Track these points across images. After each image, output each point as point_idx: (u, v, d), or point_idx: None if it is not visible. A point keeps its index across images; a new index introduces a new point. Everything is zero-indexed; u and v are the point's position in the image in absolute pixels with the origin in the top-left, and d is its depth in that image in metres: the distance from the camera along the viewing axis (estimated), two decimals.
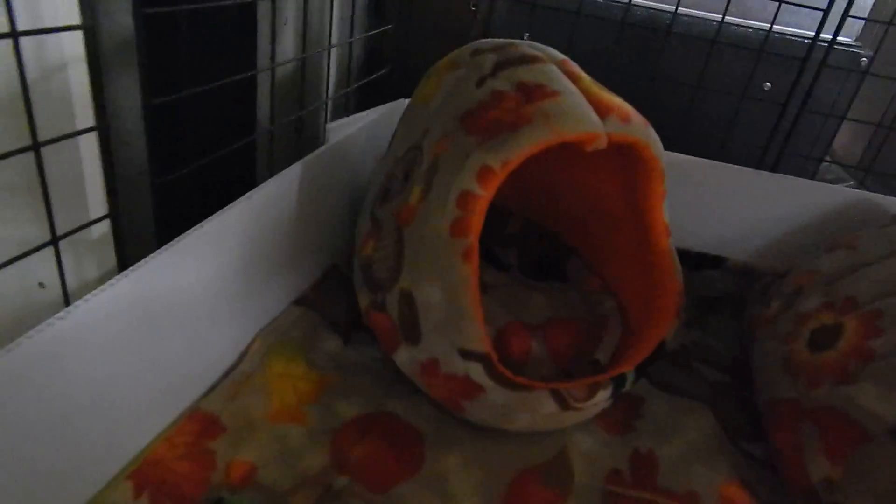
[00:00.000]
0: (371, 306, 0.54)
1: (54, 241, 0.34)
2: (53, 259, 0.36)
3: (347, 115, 0.67)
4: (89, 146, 0.42)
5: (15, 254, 0.33)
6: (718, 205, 0.70)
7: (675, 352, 0.66)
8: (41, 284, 0.42)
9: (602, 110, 0.47)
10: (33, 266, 0.44)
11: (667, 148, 0.52)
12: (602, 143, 0.46)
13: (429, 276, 0.47)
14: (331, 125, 0.61)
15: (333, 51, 0.71)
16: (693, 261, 0.74)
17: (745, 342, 0.66)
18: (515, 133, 0.45)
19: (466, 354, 0.47)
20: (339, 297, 0.61)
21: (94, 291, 0.34)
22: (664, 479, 0.51)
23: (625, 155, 0.51)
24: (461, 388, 0.48)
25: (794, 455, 0.50)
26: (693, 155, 0.70)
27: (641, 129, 0.49)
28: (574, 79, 0.49)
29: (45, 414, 0.33)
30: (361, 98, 0.80)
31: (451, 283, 0.46)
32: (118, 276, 0.35)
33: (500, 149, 0.45)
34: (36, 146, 0.33)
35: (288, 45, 0.64)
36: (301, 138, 0.64)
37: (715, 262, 0.74)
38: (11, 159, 0.31)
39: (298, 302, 0.58)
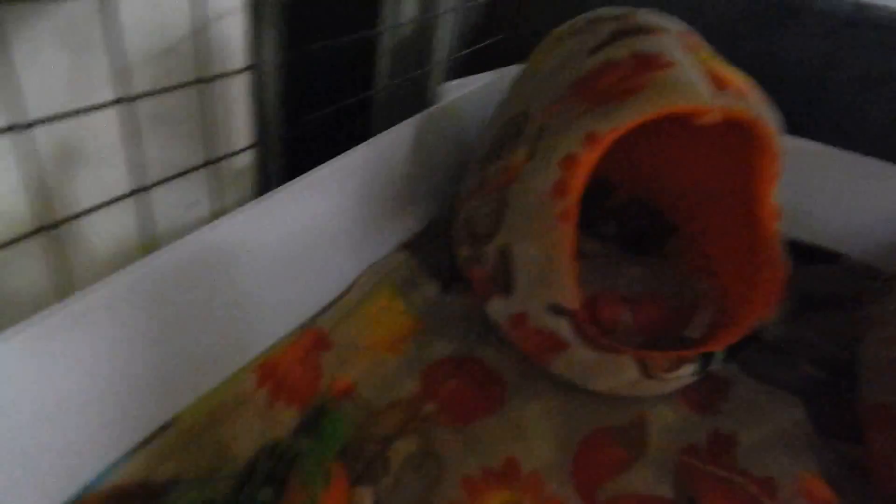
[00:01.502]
0: (469, 258, 0.57)
1: (209, 163, 0.40)
2: (206, 184, 0.42)
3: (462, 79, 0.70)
4: (239, 87, 0.48)
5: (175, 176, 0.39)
6: (840, 197, 0.67)
7: (774, 343, 0.64)
8: (194, 204, 0.49)
9: (718, 83, 0.47)
10: (191, 189, 0.51)
11: (790, 132, 0.51)
12: (714, 117, 0.46)
13: (527, 234, 0.50)
14: (445, 86, 0.64)
15: (452, 15, 0.73)
16: (806, 253, 0.70)
17: (852, 342, 0.63)
18: (625, 101, 0.46)
19: (555, 310, 0.49)
20: (442, 248, 0.65)
21: (236, 210, 0.40)
22: (742, 461, 0.51)
23: (739, 132, 0.51)
24: (547, 343, 0.51)
25: (888, 460, 0.48)
26: (818, 141, 0.66)
27: (759, 107, 0.48)
28: (693, 50, 0.49)
29: (196, 305, 0.39)
30: (477, 63, 0.82)
31: (548, 241, 0.48)
32: (258, 200, 0.41)
33: (608, 116, 0.46)
34: (200, 81, 0.38)
35: (409, 8, 0.68)
36: (416, 98, 0.68)
37: (830, 256, 0.70)
38: (176, 97, 0.37)
39: (405, 246, 0.62)
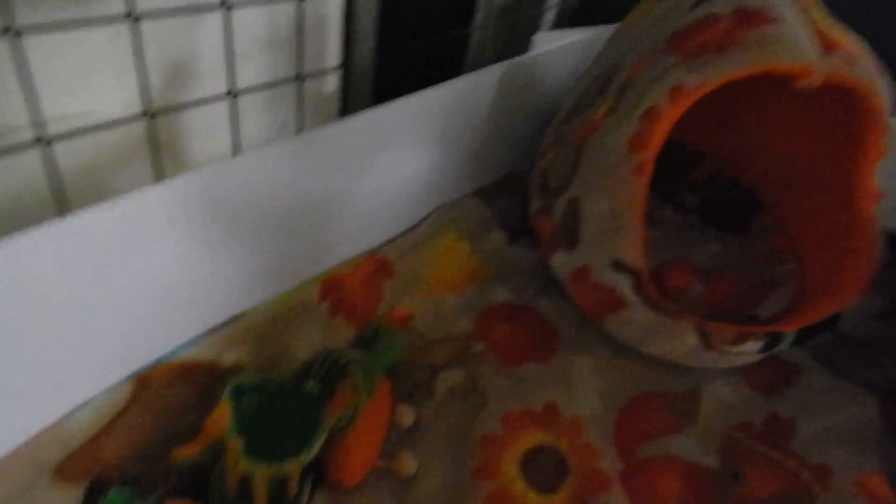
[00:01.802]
0: (539, 211, 0.57)
1: (299, 78, 0.42)
2: (295, 108, 0.45)
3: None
4: (333, 10, 0.50)
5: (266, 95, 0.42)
6: None
7: (860, 339, 0.60)
8: (283, 126, 0.52)
9: (827, 45, 0.43)
10: (280, 112, 0.54)
11: None
12: (816, 80, 0.43)
13: (599, 187, 0.49)
14: (538, 37, 0.64)
15: None
16: None
17: None
18: (720, 55, 0.44)
19: (618, 266, 0.48)
20: (513, 200, 0.65)
21: (322, 126, 0.42)
22: (799, 447, 0.49)
23: (844, 102, 0.47)
24: (606, 300, 0.50)
25: None
26: None
27: (870, 74, 0.44)
28: (804, 9, 0.46)
29: (275, 211, 0.42)
30: (575, 19, 0.80)
31: (620, 196, 0.47)
32: (342, 119, 0.43)
33: (700, 69, 0.44)
34: None
35: None
36: (513, 48, 0.68)
37: None
38: (269, 18, 0.39)
39: (477, 193, 0.63)
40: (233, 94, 0.40)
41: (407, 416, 0.46)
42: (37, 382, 0.34)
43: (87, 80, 0.40)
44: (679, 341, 0.49)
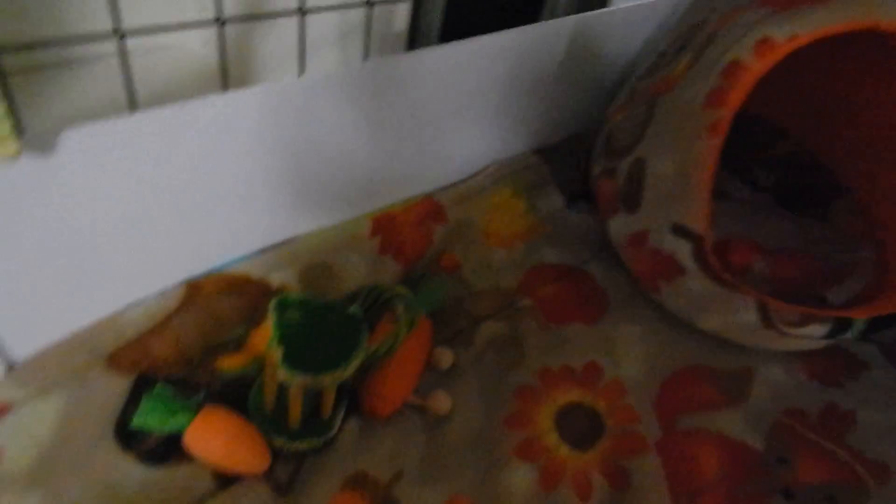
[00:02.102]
0: (602, 173, 0.55)
1: (369, 4, 0.41)
2: (362, 46, 0.44)
3: None
4: None
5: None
6: None
7: None
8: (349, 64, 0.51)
9: None
10: (348, 50, 0.54)
11: None
12: None
13: (668, 147, 0.47)
14: None
15: None
16: None
17: None
18: (818, 6, 0.40)
19: (679, 230, 0.46)
20: (575, 163, 0.63)
21: (387, 55, 0.41)
22: (856, 441, 0.46)
23: None
24: (663, 266, 0.48)
25: None
26: None
27: None
28: None
29: (338, 136, 0.42)
30: None
31: (689, 155, 0.45)
32: (408, 52, 0.42)
33: (791, 20, 0.41)
34: None
35: None
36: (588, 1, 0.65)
37: None
38: None
39: (538, 152, 0.61)
40: (302, 11, 0.40)
41: (445, 358, 0.46)
42: (98, 274, 0.35)
43: None
44: (737, 316, 0.47)
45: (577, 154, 0.64)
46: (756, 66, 0.42)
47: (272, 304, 0.36)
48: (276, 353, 0.34)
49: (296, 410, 0.38)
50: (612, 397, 0.45)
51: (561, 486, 0.40)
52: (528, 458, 0.41)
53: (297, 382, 0.34)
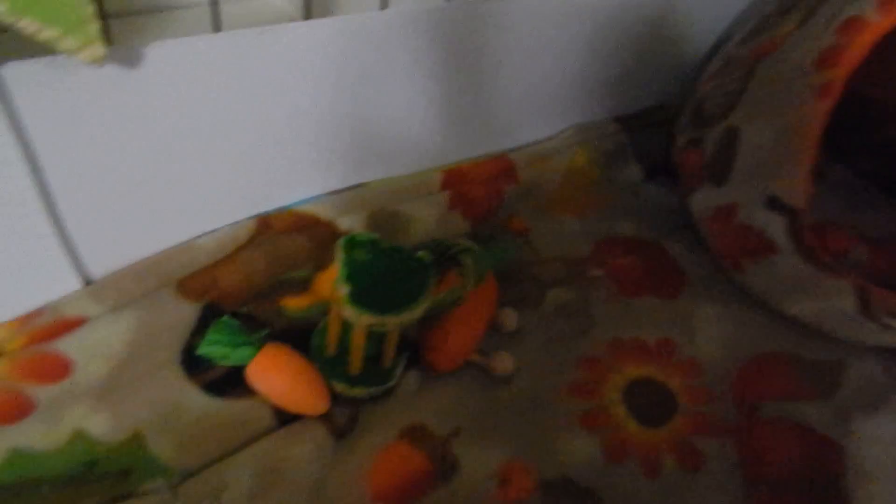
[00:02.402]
0: (687, 144, 0.52)
1: None
2: None
3: None
4: None
5: None
6: None
7: None
8: None
9: None
10: None
11: None
12: None
13: (767, 113, 0.44)
14: None
15: None
16: None
17: None
18: None
19: (773, 204, 0.43)
20: (656, 135, 0.60)
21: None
22: None
23: None
24: (752, 243, 0.45)
25: None
26: None
27: None
28: None
29: (415, 80, 0.41)
30: None
31: (792, 120, 0.42)
32: None
33: None
34: None
35: None
36: None
37: None
38: None
39: (618, 120, 0.59)
40: None
41: (510, 319, 0.44)
42: (173, 200, 0.36)
43: None
44: (830, 303, 0.43)
45: (660, 125, 0.61)
46: (879, 23, 0.38)
47: (340, 241, 0.35)
48: (343, 291, 0.33)
49: (357, 355, 0.37)
50: (686, 375, 0.43)
51: (627, 461, 0.38)
52: (593, 427, 0.39)
53: (361, 321, 0.33)
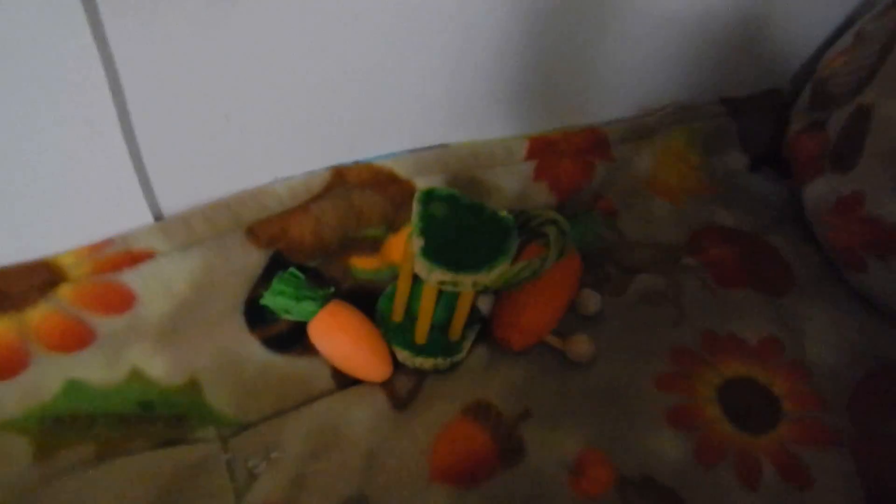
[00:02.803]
0: (805, 128, 0.47)
1: None
2: None
3: None
4: None
5: None
6: None
7: None
8: None
9: None
10: None
11: None
12: None
13: None
14: None
15: None
16: None
17: None
18: None
19: None
20: (765, 122, 0.55)
21: None
22: None
23: None
24: (879, 238, 0.40)
25: None
26: None
27: None
28: None
29: (508, 43, 0.38)
30: None
31: None
32: None
33: None
34: None
35: None
36: None
37: None
38: None
39: (725, 102, 0.53)
40: None
41: (592, 301, 0.40)
42: (251, 142, 0.34)
43: None
44: None
45: (770, 111, 0.55)
46: None
47: (418, 193, 0.33)
48: (416, 244, 0.31)
49: (425, 321, 0.35)
50: (793, 379, 0.37)
51: (721, 466, 0.33)
52: (682, 425, 0.35)
53: (433, 278, 0.31)
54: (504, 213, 0.33)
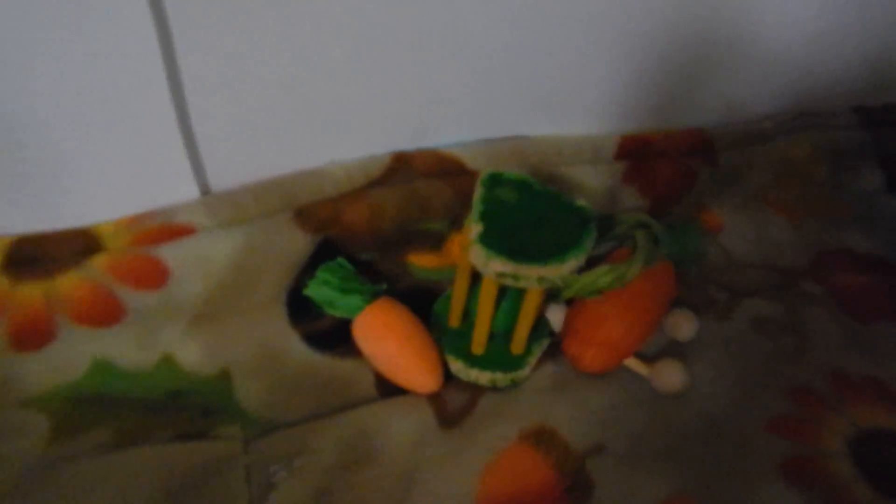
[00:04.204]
0: None
1: None
2: None
3: None
4: None
5: None
6: None
7: None
8: None
9: None
10: None
11: None
12: None
13: None
14: None
15: None
16: None
17: None
18: None
19: None
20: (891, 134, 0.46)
21: None
22: None
23: None
24: None
25: None
26: None
27: None
28: None
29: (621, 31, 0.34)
30: None
31: None
32: None
33: None
34: None
35: None
36: None
37: None
38: None
39: (858, 111, 0.46)
40: None
41: (686, 324, 0.34)
42: (310, 121, 0.32)
43: None
44: None
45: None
46: None
47: (482, 175, 0.29)
48: (474, 230, 0.27)
49: (483, 326, 0.30)
50: None
51: None
52: (800, 479, 0.28)
53: (490, 268, 0.26)
54: (583, 203, 0.29)
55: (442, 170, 0.34)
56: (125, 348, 0.30)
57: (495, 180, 0.29)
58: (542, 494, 0.27)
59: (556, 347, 0.33)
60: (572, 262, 0.26)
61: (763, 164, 0.43)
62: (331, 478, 0.27)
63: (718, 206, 0.42)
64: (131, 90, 0.28)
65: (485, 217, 0.27)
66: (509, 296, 0.32)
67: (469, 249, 0.27)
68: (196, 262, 0.30)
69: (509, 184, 0.29)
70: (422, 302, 0.34)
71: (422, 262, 0.35)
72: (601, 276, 0.31)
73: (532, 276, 0.26)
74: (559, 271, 0.26)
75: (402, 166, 0.34)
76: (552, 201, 0.28)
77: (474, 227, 0.27)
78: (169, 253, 0.29)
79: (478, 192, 0.28)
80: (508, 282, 0.26)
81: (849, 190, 0.45)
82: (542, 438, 0.29)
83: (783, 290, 0.38)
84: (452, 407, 0.31)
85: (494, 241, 0.26)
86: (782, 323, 0.35)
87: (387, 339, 0.31)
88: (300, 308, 0.33)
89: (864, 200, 0.46)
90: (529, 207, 0.28)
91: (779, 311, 0.36)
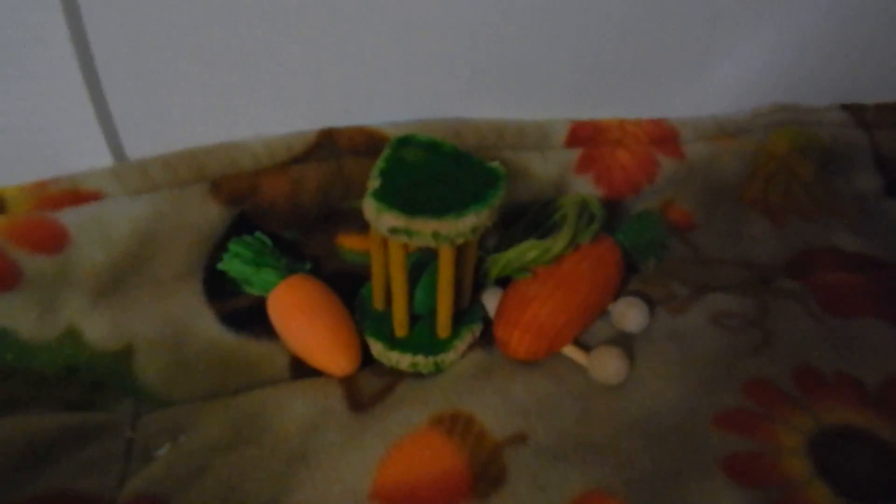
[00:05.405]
0: None
1: None
2: None
3: None
4: None
5: None
6: None
7: None
8: None
9: None
10: None
11: None
12: None
13: None
14: None
15: None
16: None
17: None
18: None
19: None
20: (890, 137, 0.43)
21: None
22: None
23: None
24: None
25: None
26: None
27: None
28: None
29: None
30: None
31: None
32: None
33: None
34: None
35: None
36: None
37: None
38: None
39: (848, 108, 0.43)
40: None
41: (635, 313, 0.31)
42: (230, 91, 0.31)
43: None
44: None
45: None
46: None
47: (391, 139, 0.27)
48: (370, 186, 0.25)
49: (400, 303, 0.28)
50: None
51: None
52: (751, 479, 0.24)
53: (381, 222, 0.24)
54: (497, 164, 0.27)
55: (371, 147, 0.33)
56: (26, 318, 0.29)
57: (404, 142, 0.27)
58: (445, 482, 0.24)
59: (492, 335, 0.31)
60: (471, 218, 0.24)
61: (734, 159, 0.40)
62: (213, 455, 0.25)
63: (686, 201, 0.39)
64: (30, 48, 0.27)
65: (384, 174, 0.26)
66: (428, 271, 0.29)
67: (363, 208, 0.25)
68: (98, 229, 0.29)
69: (419, 145, 0.27)
70: (354, 287, 0.33)
71: (351, 243, 0.34)
72: (526, 251, 0.29)
73: (426, 232, 0.24)
74: (456, 227, 0.24)
75: (327, 142, 0.33)
76: (462, 161, 0.27)
77: (371, 184, 0.25)
78: (69, 218, 0.28)
79: (383, 153, 0.27)
80: (402, 238, 0.24)
81: (842, 192, 0.42)
82: (455, 425, 0.27)
83: (755, 286, 0.34)
84: (368, 391, 0.29)
85: (388, 195, 0.25)
86: (747, 317, 0.32)
87: (297, 316, 0.29)
88: (218, 286, 0.31)
89: (859, 203, 0.42)
90: (435, 167, 0.26)
91: (747, 305, 0.33)
